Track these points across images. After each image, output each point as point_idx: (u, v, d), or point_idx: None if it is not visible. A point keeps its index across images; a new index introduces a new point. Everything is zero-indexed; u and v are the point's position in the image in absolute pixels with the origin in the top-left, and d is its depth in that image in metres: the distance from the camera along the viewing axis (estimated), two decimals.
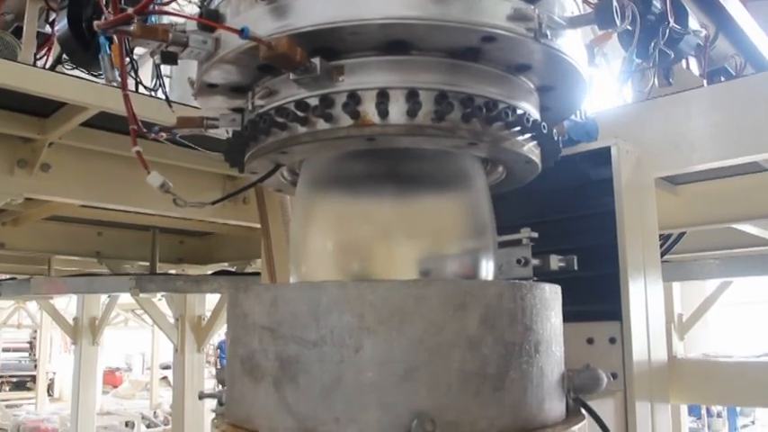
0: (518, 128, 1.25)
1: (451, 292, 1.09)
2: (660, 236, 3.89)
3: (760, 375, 1.93)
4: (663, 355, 1.89)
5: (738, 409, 15.23)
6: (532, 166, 1.39)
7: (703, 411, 14.15)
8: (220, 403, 1.38)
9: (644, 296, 1.80)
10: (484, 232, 1.44)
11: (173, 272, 5.29)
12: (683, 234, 3.91)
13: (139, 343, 21.40)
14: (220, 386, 1.43)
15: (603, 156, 1.87)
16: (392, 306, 1.07)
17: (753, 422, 16.37)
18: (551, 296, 1.23)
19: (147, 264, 5.07)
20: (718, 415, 14.84)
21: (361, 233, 1.45)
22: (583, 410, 1.31)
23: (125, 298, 11.50)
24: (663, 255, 3.92)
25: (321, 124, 1.21)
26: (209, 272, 5.19)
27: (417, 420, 1.03)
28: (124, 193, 3.04)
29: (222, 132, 1.52)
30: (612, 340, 1.74)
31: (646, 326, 1.80)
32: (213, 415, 1.39)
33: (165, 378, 16.71)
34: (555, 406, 1.21)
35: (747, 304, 19.13)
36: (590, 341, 1.77)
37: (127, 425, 12.33)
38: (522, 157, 1.34)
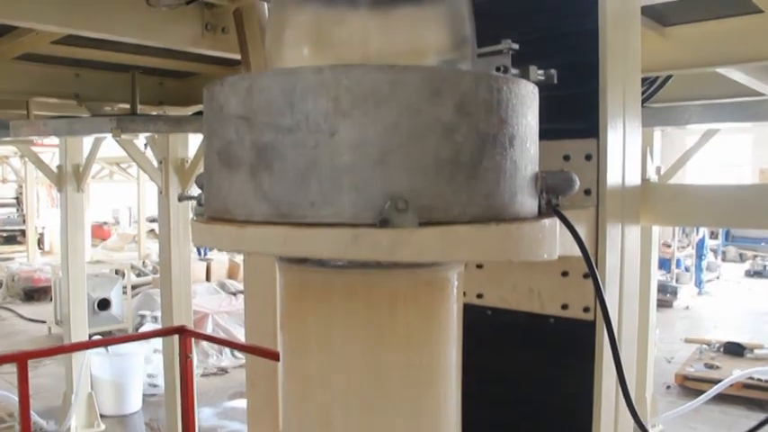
0: None
1: (427, 78, 1.08)
2: (646, 79, 3.88)
3: (730, 198, 1.98)
4: (637, 177, 1.93)
5: (705, 264, 15.90)
6: None
7: (673, 266, 14.75)
8: (199, 204, 1.40)
9: (622, 114, 1.81)
10: (463, 39, 1.42)
11: (154, 114, 5.23)
12: (669, 78, 3.89)
13: (126, 197, 21.59)
14: (200, 190, 1.45)
15: None
16: (367, 89, 1.06)
17: (717, 277, 17.14)
18: (528, 93, 1.23)
19: (128, 106, 5.00)
20: (686, 269, 15.48)
21: (337, 37, 1.42)
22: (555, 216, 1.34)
23: (108, 150, 11.45)
24: (648, 99, 3.92)
25: None
26: (191, 113, 5.14)
27: (391, 202, 1.05)
28: (100, 20, 2.93)
29: None
30: (588, 157, 1.76)
31: (622, 144, 1.82)
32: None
33: (152, 230, 17.03)
34: (527, 202, 1.24)
35: (727, 167, 19.46)
36: (566, 158, 1.79)
37: (117, 273, 12.66)
38: None
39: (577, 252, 1.46)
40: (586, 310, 1.78)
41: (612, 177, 1.81)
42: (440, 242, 1.07)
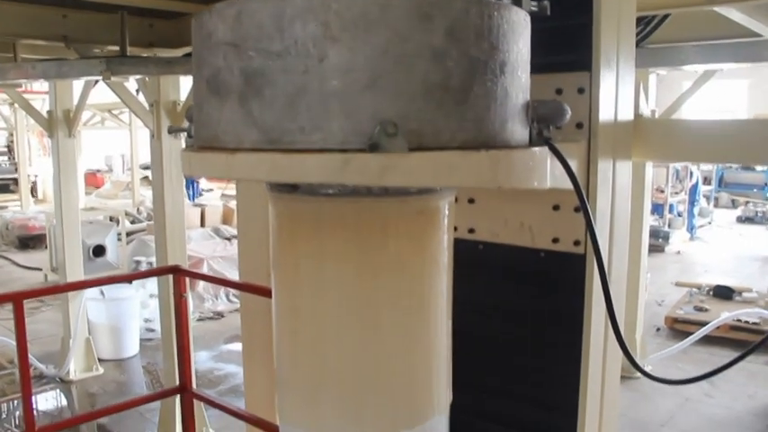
0: None
1: (417, 2, 1.07)
2: (642, 19, 3.83)
3: (724, 133, 1.97)
4: (629, 112, 1.92)
5: (697, 210, 15.99)
6: None
7: (665, 212, 14.83)
8: (190, 136, 1.39)
9: (616, 47, 1.79)
10: None
11: (144, 55, 5.15)
12: (665, 17, 3.83)
13: (119, 145, 21.44)
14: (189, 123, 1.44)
15: None
16: (356, 13, 1.05)
17: (709, 223, 17.27)
18: (519, 20, 1.21)
19: (117, 48, 4.92)
20: (679, 214, 15.58)
21: None
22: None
23: (100, 97, 11.32)
24: (644, 39, 3.88)
25: None
26: (181, 54, 5.06)
27: (380, 126, 1.05)
28: None
29: None
30: (581, 90, 1.75)
31: (615, 78, 1.80)
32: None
33: (145, 178, 16.98)
34: (518, 131, 1.24)
35: (722, 112, 19.38)
36: (558, 92, 1.78)
37: (111, 220, 12.66)
38: None
39: (568, 185, 1.47)
40: (577, 243, 1.80)
41: (605, 111, 1.80)
42: (429, 167, 1.08)
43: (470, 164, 1.10)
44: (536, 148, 1.23)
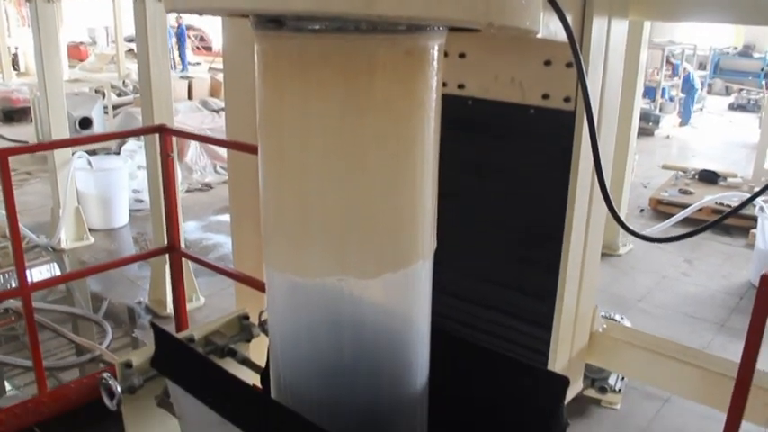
0: None
1: None
2: None
3: None
4: None
5: (696, 96, 15.86)
6: None
7: (658, 95, 14.68)
8: None
9: None
10: None
11: None
12: None
13: (102, 16, 20.71)
14: None
15: None
16: None
17: (701, 109, 17.17)
18: None
19: None
20: (671, 99, 15.45)
21: None
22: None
23: None
24: None
25: None
26: None
27: None
28: None
29: None
30: None
31: None
32: None
33: (130, 51, 16.51)
34: None
35: None
36: None
37: (97, 92, 12.42)
38: None
39: (561, 37, 1.43)
40: (567, 99, 1.78)
41: None
42: None
43: None
44: None
